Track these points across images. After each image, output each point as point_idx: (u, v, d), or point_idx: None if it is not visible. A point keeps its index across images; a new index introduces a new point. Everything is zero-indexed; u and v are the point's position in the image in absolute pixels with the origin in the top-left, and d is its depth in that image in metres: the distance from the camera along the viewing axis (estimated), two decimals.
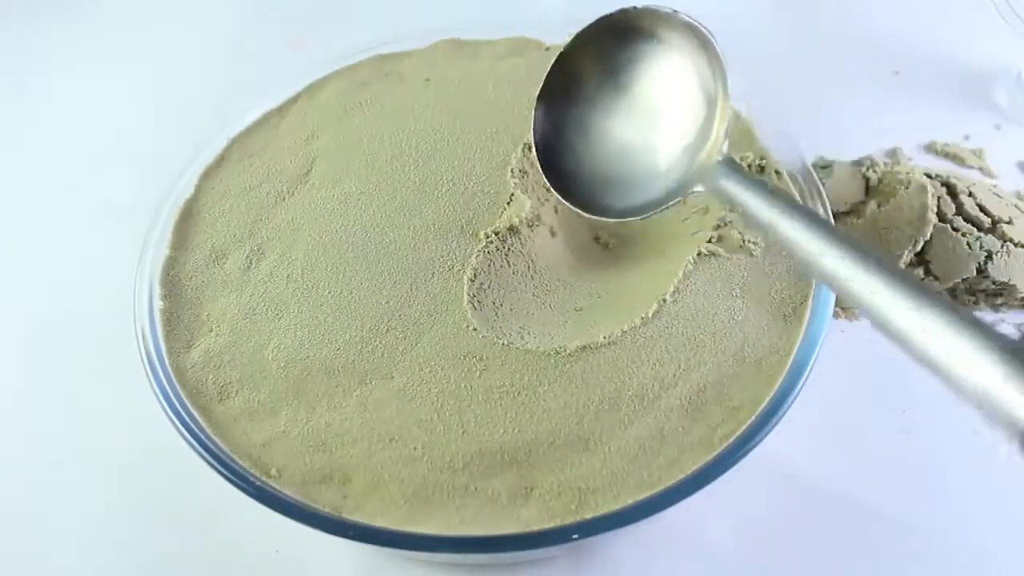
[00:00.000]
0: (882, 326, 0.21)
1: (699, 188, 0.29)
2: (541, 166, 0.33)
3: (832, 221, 0.34)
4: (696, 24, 0.29)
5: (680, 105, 0.30)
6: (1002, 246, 0.39)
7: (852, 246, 0.22)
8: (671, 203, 0.30)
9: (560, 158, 0.32)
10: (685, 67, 0.30)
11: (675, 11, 0.30)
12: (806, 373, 0.30)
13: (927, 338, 0.20)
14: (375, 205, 0.36)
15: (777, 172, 0.36)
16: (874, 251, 0.22)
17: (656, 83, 0.31)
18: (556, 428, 0.29)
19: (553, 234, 0.36)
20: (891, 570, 0.34)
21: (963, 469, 0.36)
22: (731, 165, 0.28)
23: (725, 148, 0.28)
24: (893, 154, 0.47)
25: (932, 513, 0.35)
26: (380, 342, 0.32)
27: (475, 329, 0.32)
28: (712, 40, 0.29)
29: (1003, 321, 0.41)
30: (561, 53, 0.32)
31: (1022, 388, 0.18)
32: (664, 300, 0.32)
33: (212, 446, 0.30)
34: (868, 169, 0.44)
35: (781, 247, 0.24)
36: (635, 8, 0.30)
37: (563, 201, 0.33)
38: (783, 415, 0.29)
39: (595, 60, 0.32)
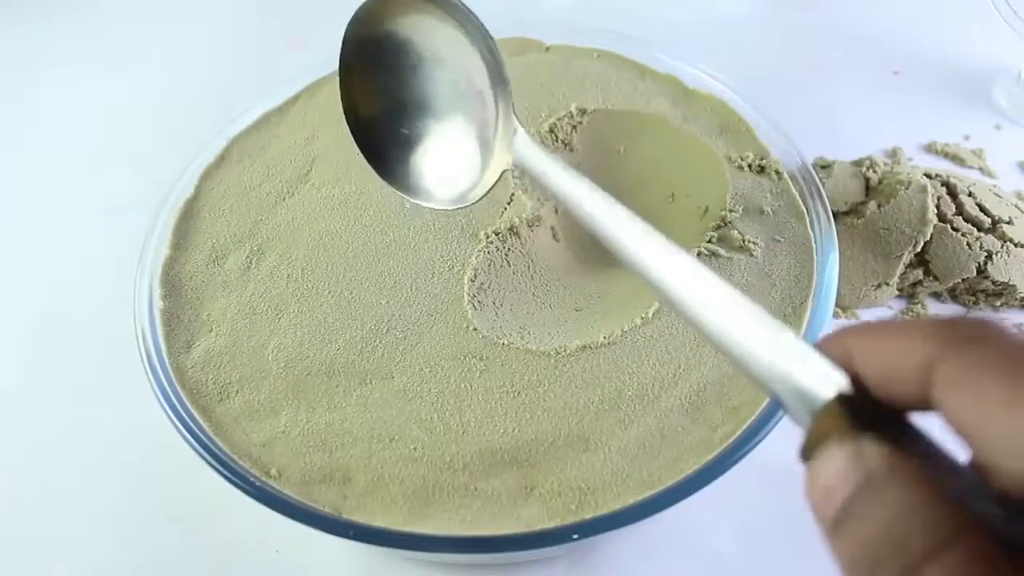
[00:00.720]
0: (661, 292, 0.21)
1: (507, 167, 0.28)
2: (364, 155, 0.30)
3: (832, 221, 0.34)
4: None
5: (468, 88, 0.29)
6: (1002, 246, 0.39)
7: (632, 216, 0.23)
8: (490, 186, 0.29)
9: (383, 144, 0.30)
10: (456, 49, 0.29)
11: None
12: None
13: (707, 302, 0.20)
14: (375, 205, 0.36)
15: (777, 172, 0.36)
16: (657, 227, 0.22)
17: (438, 70, 0.29)
18: (556, 428, 0.29)
19: (554, 234, 0.36)
20: None
21: None
22: (524, 140, 0.27)
23: (516, 123, 0.28)
24: (893, 154, 0.47)
25: None
26: (380, 342, 0.32)
27: (475, 329, 0.32)
28: (469, 16, 0.28)
29: (1003, 321, 0.41)
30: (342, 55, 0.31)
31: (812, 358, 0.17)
32: None
33: (212, 446, 0.30)
34: (868, 169, 0.44)
35: (575, 214, 0.25)
36: None
37: (388, 185, 0.31)
38: (783, 415, 0.29)
39: (376, 57, 0.30)
